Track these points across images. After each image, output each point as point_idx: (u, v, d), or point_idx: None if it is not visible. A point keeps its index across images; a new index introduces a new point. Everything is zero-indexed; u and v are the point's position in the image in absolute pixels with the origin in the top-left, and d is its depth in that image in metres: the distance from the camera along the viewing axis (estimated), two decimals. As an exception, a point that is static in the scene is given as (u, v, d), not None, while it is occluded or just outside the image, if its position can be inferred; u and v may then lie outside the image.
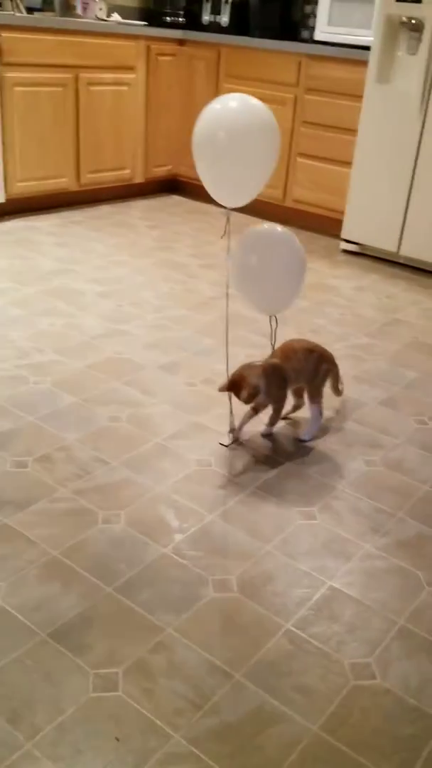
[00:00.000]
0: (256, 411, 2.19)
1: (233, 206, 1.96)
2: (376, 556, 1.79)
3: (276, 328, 2.16)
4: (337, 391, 2.37)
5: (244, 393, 2.04)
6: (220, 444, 2.17)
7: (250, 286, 2.05)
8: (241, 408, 2.19)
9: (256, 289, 2.05)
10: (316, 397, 2.23)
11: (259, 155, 1.85)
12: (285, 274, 2.04)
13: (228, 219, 1.99)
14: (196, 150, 1.87)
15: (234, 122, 1.81)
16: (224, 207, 1.97)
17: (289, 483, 2.04)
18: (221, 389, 2.08)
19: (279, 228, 2.06)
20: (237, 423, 2.20)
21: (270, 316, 2.14)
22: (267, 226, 2.05)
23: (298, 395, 2.32)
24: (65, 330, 2.83)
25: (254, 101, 1.85)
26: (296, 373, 2.16)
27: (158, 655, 1.45)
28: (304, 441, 2.24)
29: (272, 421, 2.23)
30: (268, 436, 2.25)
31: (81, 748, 1.26)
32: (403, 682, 1.45)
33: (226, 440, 2.19)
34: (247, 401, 2.07)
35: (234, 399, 2.12)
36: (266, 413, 2.22)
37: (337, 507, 1.96)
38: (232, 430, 2.20)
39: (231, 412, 2.19)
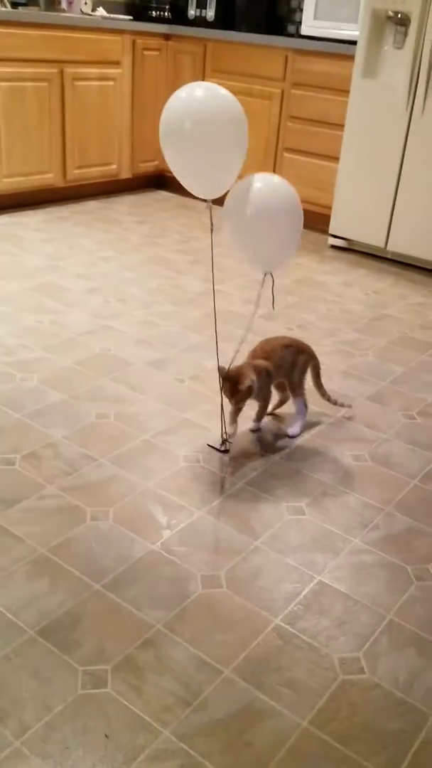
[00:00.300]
0: (239, 410, 2.19)
1: (208, 197, 1.90)
2: (365, 551, 1.79)
3: (273, 286, 2.09)
4: (323, 391, 2.32)
5: (243, 386, 2.03)
6: (211, 446, 2.16)
7: (246, 240, 1.95)
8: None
9: (251, 243, 1.95)
10: (298, 390, 2.24)
11: (226, 145, 1.80)
12: (282, 227, 1.94)
13: (210, 211, 1.95)
14: (162, 140, 1.82)
15: (199, 113, 1.76)
16: (205, 200, 1.91)
17: (277, 478, 2.04)
18: (221, 372, 2.04)
19: (275, 178, 1.93)
20: (227, 430, 2.18)
21: (265, 273, 2.03)
22: (261, 175, 1.93)
23: (282, 389, 2.32)
24: (52, 327, 2.82)
25: (222, 91, 1.80)
26: (277, 369, 2.16)
27: (147, 651, 1.45)
28: (293, 436, 2.24)
29: (259, 416, 2.23)
30: (256, 431, 2.25)
31: (70, 746, 1.26)
32: (391, 677, 1.45)
33: (218, 445, 2.17)
34: (241, 398, 2.07)
35: (224, 405, 2.11)
36: (249, 409, 2.22)
37: (325, 502, 1.96)
38: (225, 441, 2.16)
39: (227, 421, 2.18)
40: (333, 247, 4.24)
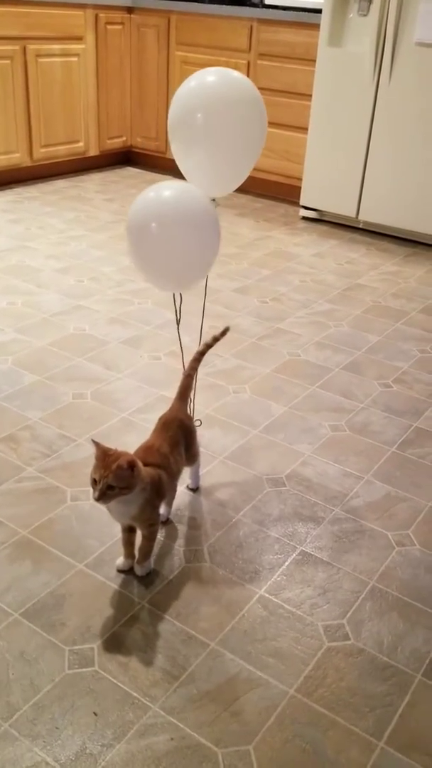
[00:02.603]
0: (131, 534, 1.59)
1: (216, 196, 1.69)
2: (346, 519, 1.80)
3: (180, 305, 1.82)
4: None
5: (110, 478, 1.37)
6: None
7: (153, 261, 1.62)
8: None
9: (158, 263, 1.62)
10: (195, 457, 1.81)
11: (243, 139, 1.61)
12: (195, 243, 1.61)
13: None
14: (171, 135, 1.63)
15: (213, 101, 1.57)
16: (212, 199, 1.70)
17: (256, 451, 2.04)
18: (97, 449, 1.41)
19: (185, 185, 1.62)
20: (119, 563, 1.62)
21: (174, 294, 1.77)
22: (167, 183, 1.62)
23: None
24: (25, 308, 2.79)
25: (235, 74, 1.62)
26: (171, 479, 1.61)
27: (133, 628, 1.45)
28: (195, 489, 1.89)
29: (144, 553, 1.58)
30: (146, 576, 1.59)
31: (59, 726, 1.26)
32: (376, 641, 1.47)
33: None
34: (102, 494, 1.38)
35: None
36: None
37: (305, 473, 1.97)
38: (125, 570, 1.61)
39: (123, 553, 1.61)
40: (304, 218, 4.23)
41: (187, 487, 1.88)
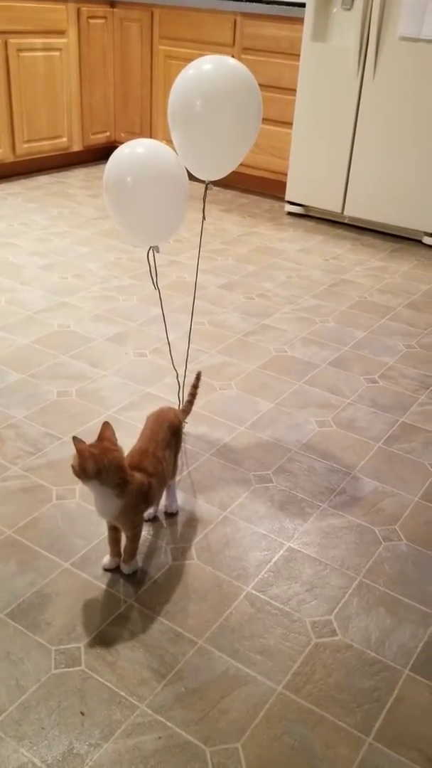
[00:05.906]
0: (116, 531, 1.57)
1: (211, 179, 1.82)
2: (333, 515, 1.80)
3: (155, 265, 1.86)
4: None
5: (90, 464, 1.40)
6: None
7: (129, 214, 1.73)
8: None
9: (136, 216, 1.73)
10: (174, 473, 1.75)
11: (239, 123, 1.71)
12: (165, 197, 1.72)
13: (205, 192, 1.84)
14: (171, 122, 1.72)
15: (210, 89, 1.66)
16: (203, 181, 1.82)
17: (243, 448, 2.03)
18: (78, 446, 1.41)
19: (156, 143, 1.73)
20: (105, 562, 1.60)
21: (149, 249, 1.83)
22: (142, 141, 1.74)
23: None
24: (8, 305, 2.77)
25: (231, 61, 1.70)
26: (160, 484, 1.59)
27: (119, 627, 1.45)
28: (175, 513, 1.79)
29: (130, 553, 1.57)
30: (133, 574, 1.58)
31: (45, 726, 1.25)
32: (363, 637, 1.47)
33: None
34: (84, 472, 1.40)
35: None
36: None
37: (292, 469, 1.96)
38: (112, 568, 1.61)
39: (109, 551, 1.60)
40: (290, 213, 4.22)
41: (165, 511, 1.76)
